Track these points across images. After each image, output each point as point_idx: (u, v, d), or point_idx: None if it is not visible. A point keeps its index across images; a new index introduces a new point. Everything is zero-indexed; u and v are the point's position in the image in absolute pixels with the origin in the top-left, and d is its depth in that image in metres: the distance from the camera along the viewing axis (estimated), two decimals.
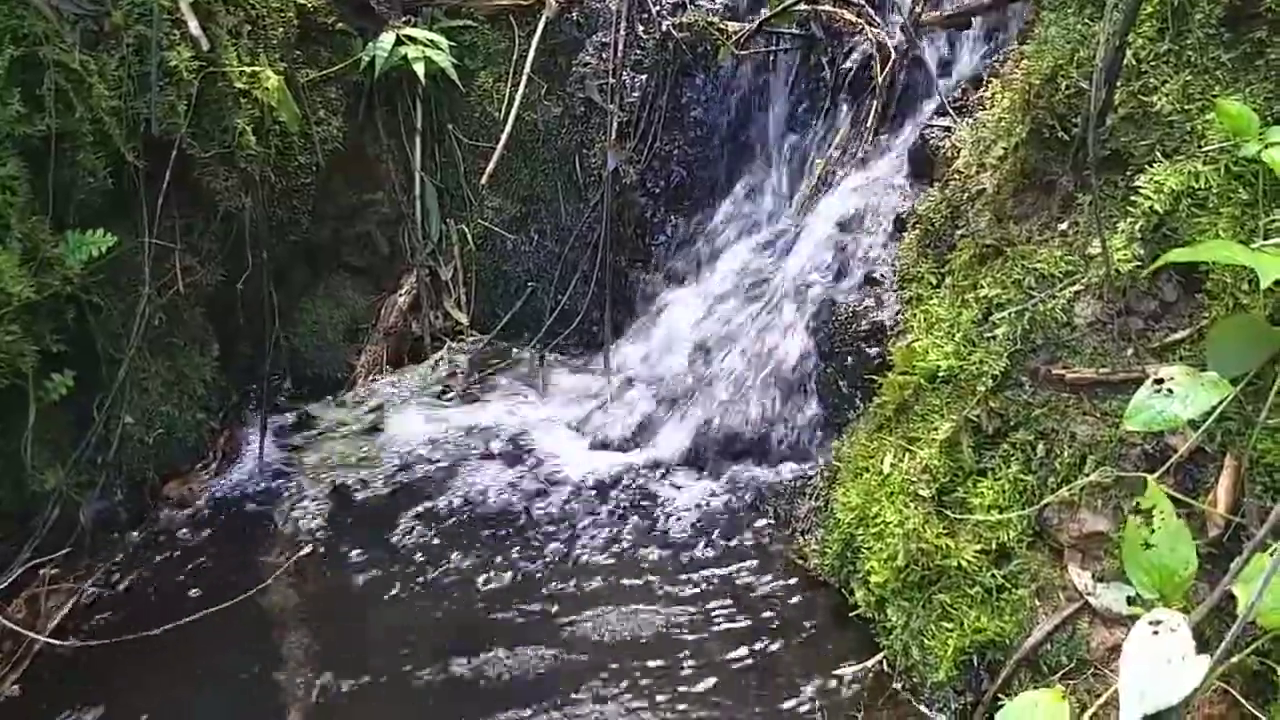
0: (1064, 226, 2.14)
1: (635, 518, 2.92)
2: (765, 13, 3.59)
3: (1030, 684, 1.96)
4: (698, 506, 2.97)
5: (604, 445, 3.36)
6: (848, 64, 3.46)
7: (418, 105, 3.87)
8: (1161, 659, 1.33)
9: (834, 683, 2.24)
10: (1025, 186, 2.29)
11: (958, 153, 2.72)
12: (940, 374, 2.32)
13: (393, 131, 3.87)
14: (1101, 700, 1.66)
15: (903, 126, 3.34)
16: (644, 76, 3.76)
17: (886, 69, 3.34)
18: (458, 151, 3.96)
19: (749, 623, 2.46)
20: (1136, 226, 1.91)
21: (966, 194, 2.52)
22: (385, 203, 3.91)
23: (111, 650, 2.36)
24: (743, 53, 3.63)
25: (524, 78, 3.79)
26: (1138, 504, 1.60)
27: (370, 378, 3.75)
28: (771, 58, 3.64)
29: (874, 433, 2.56)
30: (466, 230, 4.01)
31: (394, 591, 2.62)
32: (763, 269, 3.49)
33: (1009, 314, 2.14)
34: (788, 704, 2.19)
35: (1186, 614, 1.42)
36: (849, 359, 2.87)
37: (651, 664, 2.33)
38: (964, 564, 2.12)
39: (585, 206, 3.90)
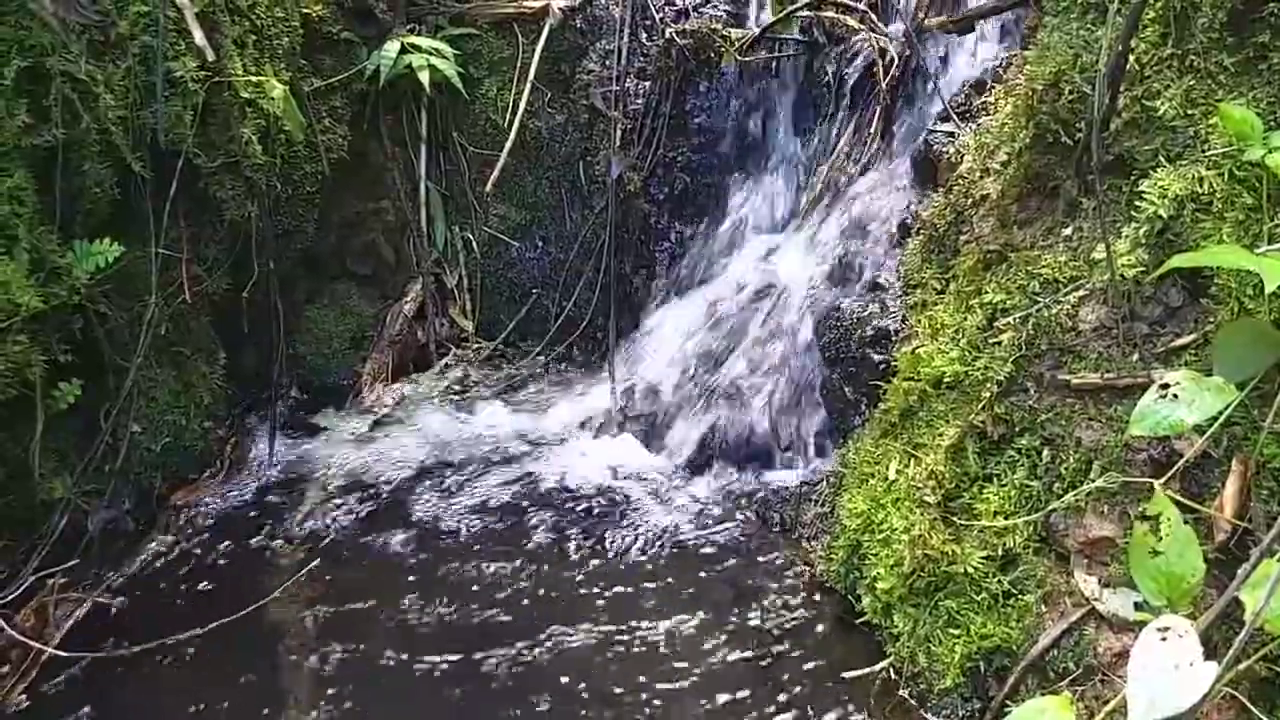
0: (1068, 232, 2.14)
1: (640, 522, 2.92)
2: (768, 19, 3.60)
3: (1037, 690, 1.95)
4: (702, 512, 2.96)
5: (609, 450, 3.36)
6: (851, 70, 3.47)
7: (422, 113, 3.88)
8: (1169, 665, 1.33)
9: (840, 690, 2.24)
10: (1029, 192, 2.29)
11: (961, 158, 2.72)
12: (945, 380, 2.32)
13: (398, 140, 3.89)
14: (1109, 707, 1.65)
15: (906, 132, 3.34)
16: (648, 83, 3.77)
17: (889, 75, 3.34)
18: (462, 159, 3.97)
19: (754, 628, 2.45)
20: (1141, 231, 1.91)
21: (970, 199, 2.52)
22: (390, 211, 3.92)
23: (119, 661, 2.36)
24: (746, 59, 3.64)
25: (528, 85, 3.80)
26: (1144, 510, 1.60)
27: (376, 386, 3.76)
28: (775, 64, 3.65)
29: (879, 439, 2.56)
30: (472, 238, 4.02)
31: (400, 597, 2.62)
32: (767, 275, 3.50)
33: (1014, 319, 2.13)
34: (793, 711, 2.19)
35: (1194, 620, 1.42)
36: (854, 365, 2.87)
37: (655, 668, 2.33)
38: (970, 570, 2.11)
39: (590, 213, 3.91)
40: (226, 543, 2.88)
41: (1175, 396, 1.63)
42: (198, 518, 2.99)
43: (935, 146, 2.99)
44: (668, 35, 3.70)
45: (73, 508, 2.69)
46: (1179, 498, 1.66)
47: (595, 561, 2.75)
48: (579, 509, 3.00)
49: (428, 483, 3.17)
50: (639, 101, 3.78)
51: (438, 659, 2.38)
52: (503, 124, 3.87)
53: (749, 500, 2.99)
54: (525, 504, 3.04)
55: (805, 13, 3.55)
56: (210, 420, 3.21)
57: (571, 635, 2.45)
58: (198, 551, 2.84)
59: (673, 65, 3.71)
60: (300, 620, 2.55)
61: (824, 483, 2.84)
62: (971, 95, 3.09)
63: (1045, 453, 2.07)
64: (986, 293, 2.27)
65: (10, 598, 2.47)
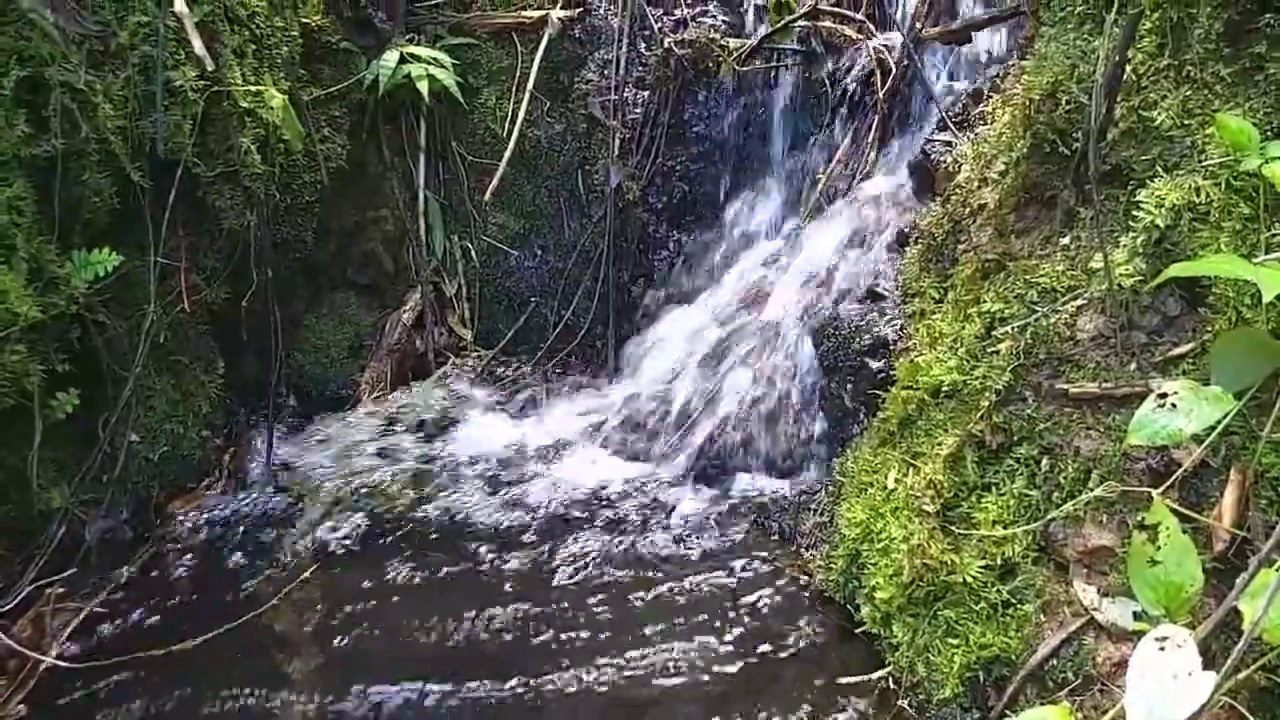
0: (1066, 241, 2.14)
1: (638, 532, 2.92)
2: (766, 29, 3.61)
3: (1037, 700, 1.95)
4: (701, 520, 2.96)
5: (607, 460, 3.36)
6: (848, 79, 3.48)
7: (421, 123, 3.90)
8: (1168, 675, 1.32)
9: (839, 699, 2.23)
10: (1026, 201, 2.30)
11: (959, 167, 2.73)
12: (944, 389, 2.33)
13: (396, 149, 3.90)
14: (1108, 717, 1.65)
15: (904, 141, 3.35)
16: (646, 93, 3.78)
17: (887, 84, 3.35)
18: (461, 168, 3.98)
19: (753, 638, 2.45)
20: (1138, 241, 1.91)
21: (968, 208, 2.53)
22: (389, 220, 3.93)
23: (116, 670, 2.36)
24: (744, 69, 3.65)
25: (527, 95, 3.81)
26: (1143, 519, 1.60)
27: (375, 395, 3.76)
28: (773, 74, 3.66)
29: (878, 448, 2.56)
30: (470, 247, 4.03)
31: (397, 607, 2.62)
32: (766, 283, 3.50)
33: (1012, 328, 2.14)
34: None
35: (1192, 629, 1.41)
36: (852, 374, 2.87)
37: (653, 678, 2.32)
38: (969, 580, 2.11)
39: (588, 222, 3.92)
40: (224, 552, 2.87)
41: (1173, 406, 1.63)
42: (195, 527, 2.99)
43: (933, 155, 3.00)
44: (666, 45, 3.71)
45: (70, 517, 2.69)
46: (1177, 507, 1.66)
47: (593, 571, 2.75)
48: (576, 519, 3.00)
49: (425, 492, 3.17)
50: (637, 111, 3.79)
51: (434, 668, 2.37)
52: (501, 133, 3.88)
53: (748, 509, 2.99)
54: (522, 514, 3.04)
55: (803, 23, 3.56)
56: (208, 429, 3.20)
57: (569, 644, 2.44)
58: (195, 561, 2.83)
59: (671, 75, 3.72)
60: (297, 630, 2.54)
61: (823, 492, 2.84)
62: (969, 104, 3.10)
63: (1044, 462, 2.07)
64: (984, 302, 2.27)
65: (7, 608, 2.47)
